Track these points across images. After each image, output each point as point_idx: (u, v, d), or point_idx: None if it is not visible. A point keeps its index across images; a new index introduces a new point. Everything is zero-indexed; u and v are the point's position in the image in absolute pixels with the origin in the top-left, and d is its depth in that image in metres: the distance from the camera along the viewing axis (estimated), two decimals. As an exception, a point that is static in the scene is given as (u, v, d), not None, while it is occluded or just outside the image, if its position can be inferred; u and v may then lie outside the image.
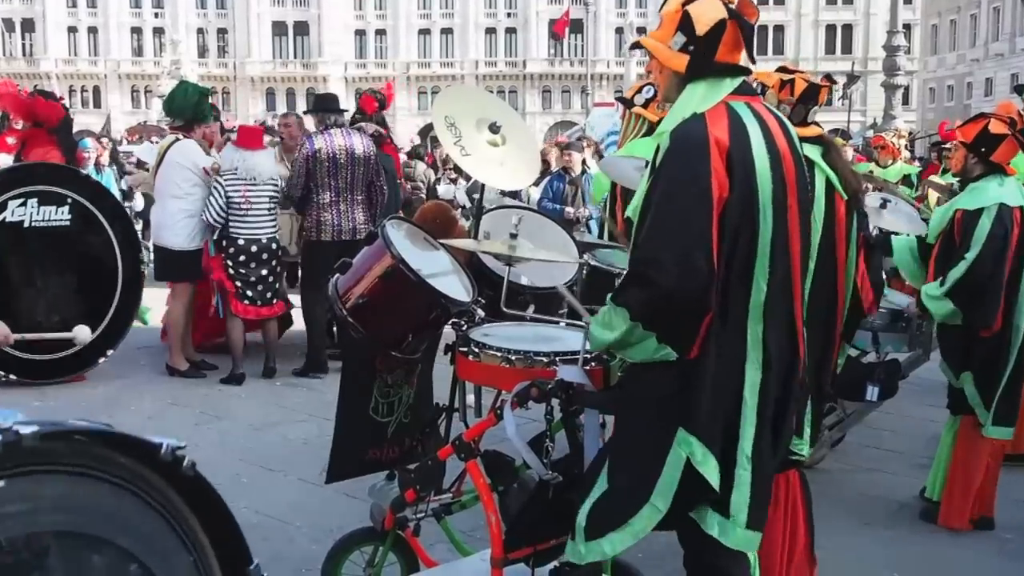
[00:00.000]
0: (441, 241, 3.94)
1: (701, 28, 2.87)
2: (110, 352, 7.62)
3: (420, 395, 4.16)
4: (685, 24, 2.90)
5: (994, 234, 4.81)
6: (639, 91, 5.83)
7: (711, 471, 2.80)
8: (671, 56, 2.93)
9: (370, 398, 3.93)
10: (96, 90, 73.40)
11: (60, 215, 7.24)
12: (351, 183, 7.82)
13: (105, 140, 13.81)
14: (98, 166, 11.40)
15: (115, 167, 12.50)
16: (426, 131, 41.93)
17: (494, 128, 4.01)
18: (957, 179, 5.46)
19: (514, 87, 73.17)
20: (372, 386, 3.91)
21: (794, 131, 3.04)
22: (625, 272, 2.89)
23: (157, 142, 12.82)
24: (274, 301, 7.75)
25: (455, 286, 3.74)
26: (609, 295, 2.89)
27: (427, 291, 3.54)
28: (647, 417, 2.86)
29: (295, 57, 74.17)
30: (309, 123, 8.65)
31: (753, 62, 3.00)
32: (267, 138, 8.69)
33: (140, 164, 13.94)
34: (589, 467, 3.10)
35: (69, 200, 7.27)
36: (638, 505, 2.85)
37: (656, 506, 2.83)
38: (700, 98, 2.87)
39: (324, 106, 8.14)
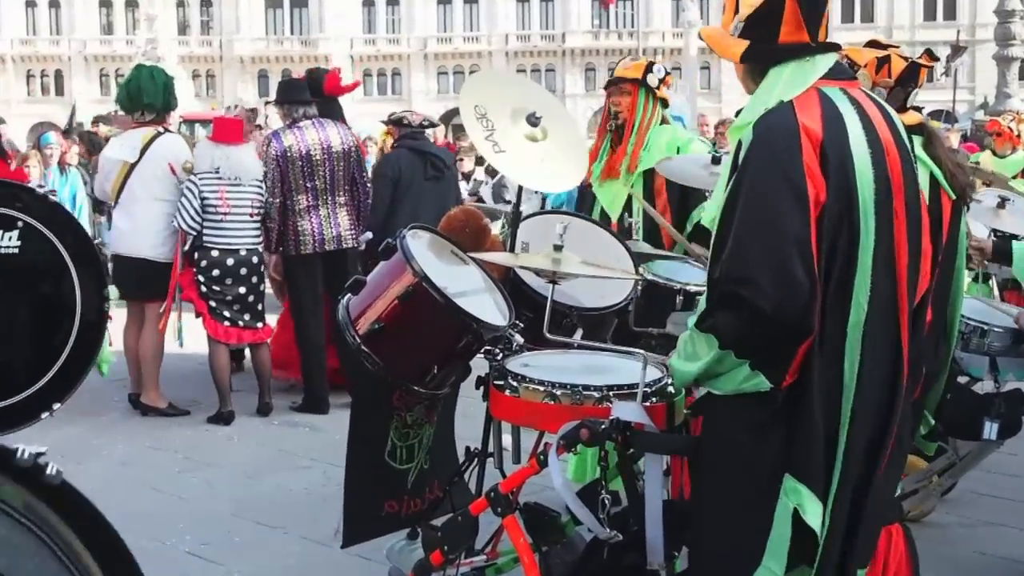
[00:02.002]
0: (471, 254, 3.95)
1: (746, 8, 2.94)
2: (56, 406, 7.56)
3: (440, 435, 4.17)
4: (738, 5, 2.97)
5: None
6: (649, 69, 5.76)
7: (817, 521, 2.82)
8: (728, 44, 3.00)
9: (385, 440, 3.95)
10: (58, 74, 74.39)
11: (8, 241, 7.26)
12: (331, 183, 7.86)
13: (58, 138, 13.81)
14: (62, 166, 11.52)
15: (84, 167, 12.58)
16: (448, 117, 42.08)
17: (533, 120, 4.03)
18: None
19: (551, 65, 73.38)
20: (388, 426, 3.93)
21: (900, 121, 3.05)
22: (707, 292, 2.91)
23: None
24: (259, 324, 7.75)
25: (489, 308, 3.75)
26: (690, 320, 2.93)
27: (455, 314, 3.56)
28: (739, 461, 2.88)
29: (292, 33, 74.84)
30: (276, 118, 8.55)
31: (817, 39, 2.99)
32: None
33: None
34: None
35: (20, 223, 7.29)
36: (747, 571, 2.86)
37: (771, 569, 2.85)
38: (786, 83, 2.90)
39: (290, 96, 8.10)
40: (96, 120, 16.03)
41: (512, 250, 4.08)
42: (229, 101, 62.45)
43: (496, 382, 3.55)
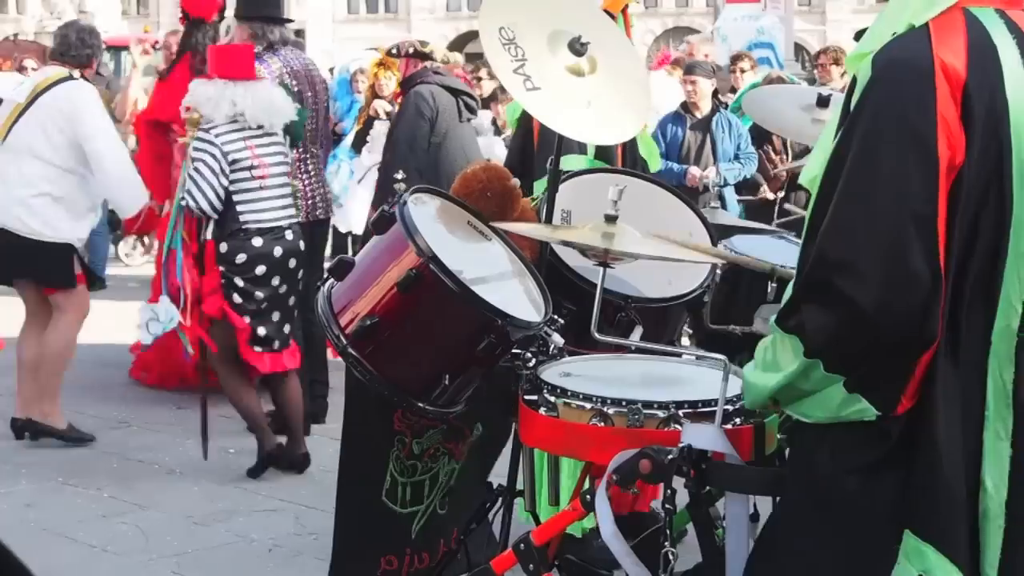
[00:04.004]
0: (495, 225, 3.98)
1: None
2: None
3: (469, 472, 4.19)
4: None
5: None
6: None
7: None
8: None
9: (383, 475, 3.98)
10: (-61, -14, 74.65)
11: None
12: (317, 130, 7.96)
13: None
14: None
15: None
16: (461, 44, 42.09)
17: (578, 47, 4.03)
18: None
19: (599, -27, 73.10)
20: (386, 456, 3.95)
21: None
22: (794, 278, 2.91)
23: (35, 69, 12.84)
24: (291, 338, 7.16)
25: (517, 298, 3.78)
26: (771, 318, 2.91)
27: (473, 306, 3.59)
28: (841, 509, 2.87)
29: (250, -71, 74.78)
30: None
31: None
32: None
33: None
34: None
35: None
36: None
37: None
38: (920, 1, 2.86)
39: (264, 10, 7.94)
40: None
41: (549, 221, 4.09)
42: (167, 25, 62.56)
43: (528, 397, 3.56)
